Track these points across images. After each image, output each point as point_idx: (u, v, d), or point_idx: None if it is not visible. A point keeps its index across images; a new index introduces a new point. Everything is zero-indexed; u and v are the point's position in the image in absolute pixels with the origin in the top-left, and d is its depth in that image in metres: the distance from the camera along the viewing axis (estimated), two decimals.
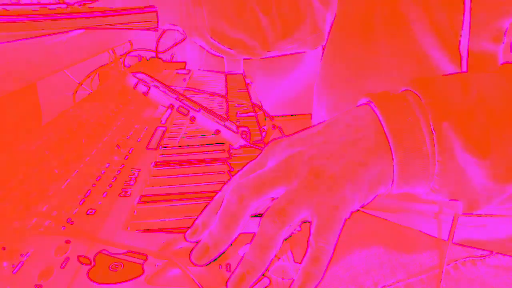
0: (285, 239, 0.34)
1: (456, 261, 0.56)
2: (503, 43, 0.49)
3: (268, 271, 0.36)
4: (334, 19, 0.71)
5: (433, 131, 0.34)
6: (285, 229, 0.32)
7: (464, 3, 0.49)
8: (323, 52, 0.76)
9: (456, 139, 0.34)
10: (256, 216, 0.34)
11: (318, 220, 0.32)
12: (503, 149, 0.35)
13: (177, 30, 0.90)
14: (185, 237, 0.37)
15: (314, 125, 0.38)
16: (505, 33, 0.49)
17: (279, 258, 0.38)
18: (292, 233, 0.38)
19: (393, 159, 0.34)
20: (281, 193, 0.33)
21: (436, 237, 0.58)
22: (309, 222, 0.33)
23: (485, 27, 0.49)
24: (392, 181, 0.35)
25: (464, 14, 0.49)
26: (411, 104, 0.35)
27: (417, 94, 0.36)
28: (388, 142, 0.34)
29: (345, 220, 0.33)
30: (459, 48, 0.51)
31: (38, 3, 0.71)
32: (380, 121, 0.35)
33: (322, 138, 0.36)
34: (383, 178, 0.35)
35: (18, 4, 0.70)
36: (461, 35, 0.50)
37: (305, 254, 0.32)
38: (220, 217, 0.34)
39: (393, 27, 0.57)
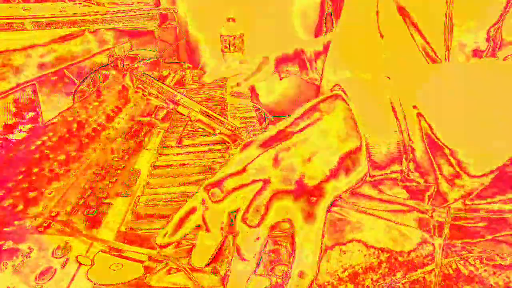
0: (282, 240, 0.34)
1: (454, 260, 0.56)
2: (488, 46, 0.50)
3: (268, 271, 0.36)
4: (338, 21, 0.72)
5: (404, 115, 0.34)
6: (264, 225, 0.32)
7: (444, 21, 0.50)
8: (326, 52, 0.77)
9: (426, 123, 0.34)
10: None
11: (299, 214, 0.32)
12: (470, 140, 0.35)
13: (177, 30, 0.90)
14: (155, 244, 0.37)
15: (285, 119, 0.38)
16: (488, 39, 0.50)
17: (279, 257, 0.38)
18: (290, 232, 0.38)
19: (366, 144, 0.35)
20: (258, 193, 0.33)
21: (434, 236, 0.59)
22: (291, 219, 0.33)
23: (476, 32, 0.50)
24: (368, 167, 0.35)
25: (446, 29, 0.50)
26: (382, 88, 0.36)
27: (388, 78, 0.36)
28: (359, 128, 0.35)
29: (328, 210, 0.33)
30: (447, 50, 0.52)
31: (39, 4, 0.71)
32: (350, 107, 0.35)
33: (292, 132, 0.36)
34: (358, 164, 0.35)
35: (18, 4, 0.70)
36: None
37: (292, 252, 0.32)
38: (203, 219, 0.35)
39: (393, 36, 0.59)
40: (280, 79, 1.05)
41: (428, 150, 0.35)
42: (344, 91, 0.36)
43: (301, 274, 0.32)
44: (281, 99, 1.93)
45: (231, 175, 0.35)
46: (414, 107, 0.35)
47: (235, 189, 0.34)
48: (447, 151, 0.35)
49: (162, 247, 0.37)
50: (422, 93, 0.35)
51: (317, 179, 0.33)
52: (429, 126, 0.34)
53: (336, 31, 0.75)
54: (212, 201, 0.34)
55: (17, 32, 0.75)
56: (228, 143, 0.65)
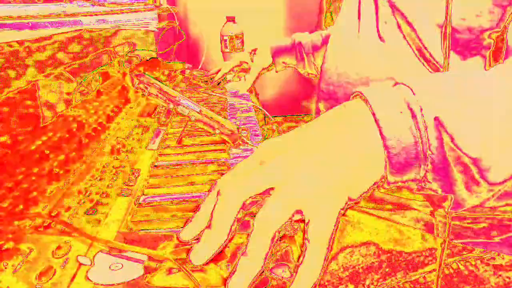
0: (282, 239, 0.34)
1: (455, 260, 0.56)
2: (490, 49, 0.50)
3: (268, 271, 0.36)
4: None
5: (425, 125, 0.34)
6: (278, 227, 0.32)
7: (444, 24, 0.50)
8: (325, 53, 0.77)
9: (447, 134, 0.34)
10: (253, 216, 0.34)
11: (312, 219, 0.32)
12: (492, 149, 0.35)
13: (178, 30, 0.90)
14: (177, 238, 0.37)
15: (306, 123, 0.38)
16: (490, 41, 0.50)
17: (278, 257, 0.38)
18: (291, 233, 0.38)
19: (385, 153, 0.34)
20: (272, 193, 0.33)
21: (435, 236, 0.59)
22: (302, 221, 0.33)
23: (472, 38, 0.51)
24: (384, 175, 0.35)
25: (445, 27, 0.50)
26: (403, 97, 0.35)
27: (409, 88, 0.36)
28: (380, 136, 0.34)
29: (340, 217, 0.33)
30: (445, 58, 0.52)
31: (39, 4, 0.71)
32: (371, 114, 0.35)
33: (313, 135, 0.36)
34: (376, 173, 0.35)
35: (18, 4, 0.70)
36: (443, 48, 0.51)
37: (301, 253, 0.32)
38: (213, 216, 0.34)
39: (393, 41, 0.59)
40: (276, 72, 1.05)
41: (449, 160, 0.35)
42: (365, 97, 0.36)
43: (306, 275, 0.32)
44: (280, 98, 1.93)
45: (248, 173, 0.35)
46: (436, 118, 0.34)
47: (250, 188, 0.34)
48: (467, 159, 0.34)
49: (185, 243, 0.37)
50: (444, 102, 0.35)
51: (334, 184, 0.33)
52: (450, 136, 0.34)
53: (335, 27, 0.75)
54: (225, 199, 0.34)
55: (17, 31, 0.75)
56: (228, 143, 0.65)
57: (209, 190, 0.37)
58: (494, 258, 0.56)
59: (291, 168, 0.34)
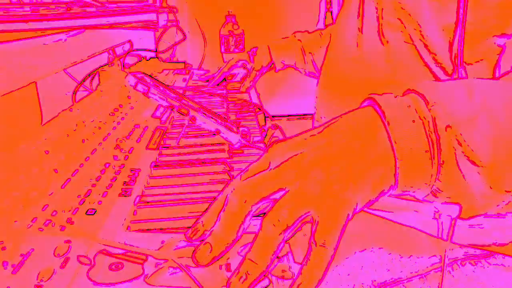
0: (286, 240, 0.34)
1: (456, 261, 0.56)
2: (502, 54, 0.50)
3: (269, 271, 0.36)
4: (336, 21, 0.72)
5: (437, 135, 0.34)
6: (286, 230, 0.32)
7: (456, 23, 0.50)
8: (325, 53, 0.77)
9: (458, 144, 0.34)
10: (259, 216, 0.34)
11: (320, 221, 0.32)
12: (503, 158, 0.35)
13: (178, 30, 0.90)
14: (186, 237, 0.37)
15: (317, 127, 0.38)
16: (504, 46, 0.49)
17: (280, 258, 0.38)
18: (293, 233, 0.38)
19: (396, 162, 0.34)
20: (282, 195, 0.33)
21: (436, 237, 0.58)
22: (309, 223, 0.33)
23: (478, 43, 0.50)
24: (395, 183, 0.35)
25: (456, 31, 0.50)
26: (416, 106, 0.35)
27: (422, 97, 0.36)
28: (391, 145, 0.34)
29: (347, 221, 0.33)
30: (453, 63, 0.51)
31: (39, 3, 0.71)
32: (383, 123, 0.35)
33: (325, 140, 0.36)
34: (386, 180, 0.34)
35: (18, 4, 0.70)
36: (455, 49, 0.51)
37: (306, 254, 0.32)
38: (223, 218, 0.34)
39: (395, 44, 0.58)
40: (276, 71, 1.05)
41: (460, 169, 0.34)
42: (378, 104, 0.36)
43: (309, 277, 0.32)
44: (280, 98, 1.93)
45: (259, 176, 0.35)
46: (448, 127, 0.34)
47: (261, 191, 0.34)
48: (478, 169, 0.34)
49: (195, 240, 0.37)
50: (457, 111, 0.35)
51: (344, 189, 0.33)
52: (462, 145, 0.34)
53: (335, 27, 0.75)
54: (235, 201, 0.34)
55: (17, 32, 0.75)
56: (228, 143, 0.65)
57: (221, 191, 0.37)
58: (495, 259, 0.56)
59: (303, 171, 0.34)
